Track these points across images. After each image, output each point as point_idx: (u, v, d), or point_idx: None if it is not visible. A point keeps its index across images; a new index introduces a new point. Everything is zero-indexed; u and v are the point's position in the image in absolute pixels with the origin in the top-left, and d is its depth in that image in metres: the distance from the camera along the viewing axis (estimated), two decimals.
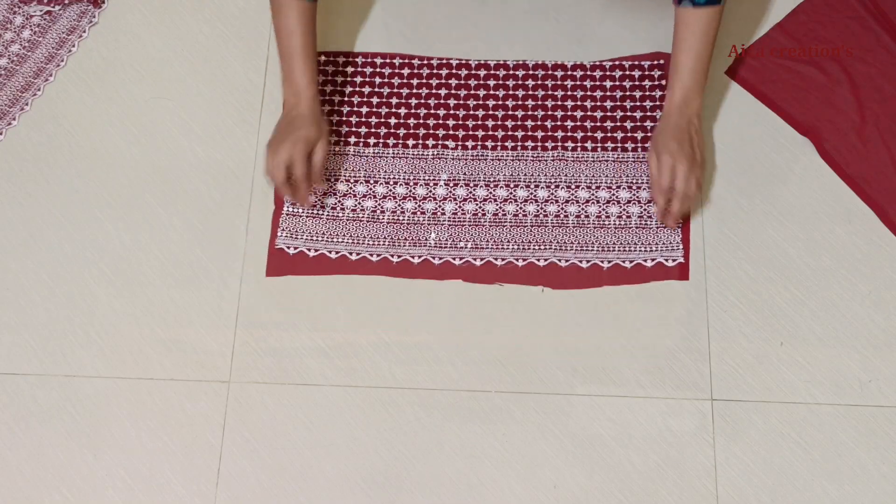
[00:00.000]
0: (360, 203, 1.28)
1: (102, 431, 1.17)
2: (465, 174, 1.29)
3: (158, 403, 1.18)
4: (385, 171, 1.30)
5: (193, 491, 1.14)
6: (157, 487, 1.14)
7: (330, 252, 1.25)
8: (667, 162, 1.18)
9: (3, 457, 1.16)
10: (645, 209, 1.26)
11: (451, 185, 1.29)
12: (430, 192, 1.28)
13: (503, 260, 1.24)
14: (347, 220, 1.27)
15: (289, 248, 1.25)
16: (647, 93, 1.34)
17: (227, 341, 1.21)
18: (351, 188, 1.29)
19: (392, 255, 1.24)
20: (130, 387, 1.19)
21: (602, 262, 1.23)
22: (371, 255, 1.25)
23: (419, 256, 1.25)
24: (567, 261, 1.24)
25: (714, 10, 1.19)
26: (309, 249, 1.25)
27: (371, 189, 1.29)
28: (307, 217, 1.27)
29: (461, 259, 1.24)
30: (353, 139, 1.32)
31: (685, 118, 1.21)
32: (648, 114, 1.33)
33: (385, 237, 1.25)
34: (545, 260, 1.24)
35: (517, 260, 1.24)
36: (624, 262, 1.23)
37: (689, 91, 1.21)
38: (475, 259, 1.24)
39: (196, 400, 1.18)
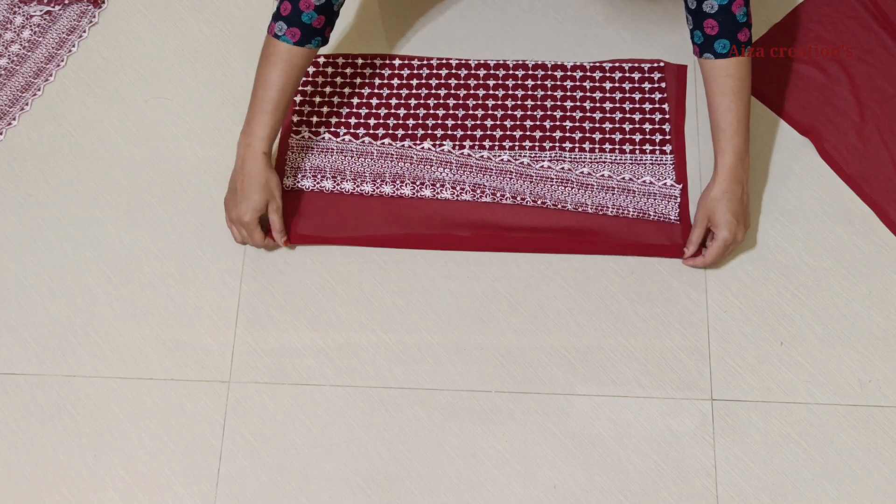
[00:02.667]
0: (358, 187, 1.28)
1: (102, 431, 1.17)
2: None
3: (158, 403, 1.18)
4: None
5: (193, 491, 1.14)
6: (157, 487, 1.14)
7: (334, 188, 1.27)
8: (723, 237, 1.18)
9: (3, 457, 1.16)
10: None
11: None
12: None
13: (511, 197, 1.25)
14: (357, 154, 1.29)
15: (295, 185, 1.27)
16: (647, 95, 1.34)
17: (227, 341, 1.21)
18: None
19: (397, 187, 1.27)
20: (130, 387, 1.19)
21: (610, 209, 1.26)
22: (376, 187, 1.27)
23: (428, 185, 1.27)
24: (574, 203, 1.25)
25: (741, 60, 1.15)
26: (315, 186, 1.28)
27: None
28: (319, 151, 1.30)
29: (470, 188, 1.26)
30: (349, 139, 1.32)
31: (740, 184, 1.18)
32: (647, 116, 1.33)
33: (391, 173, 1.28)
34: (555, 203, 1.25)
35: (525, 199, 1.25)
36: (623, 212, 1.26)
37: (740, 151, 1.18)
38: (481, 194, 1.25)
39: (196, 400, 1.18)
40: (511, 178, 1.27)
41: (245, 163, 1.19)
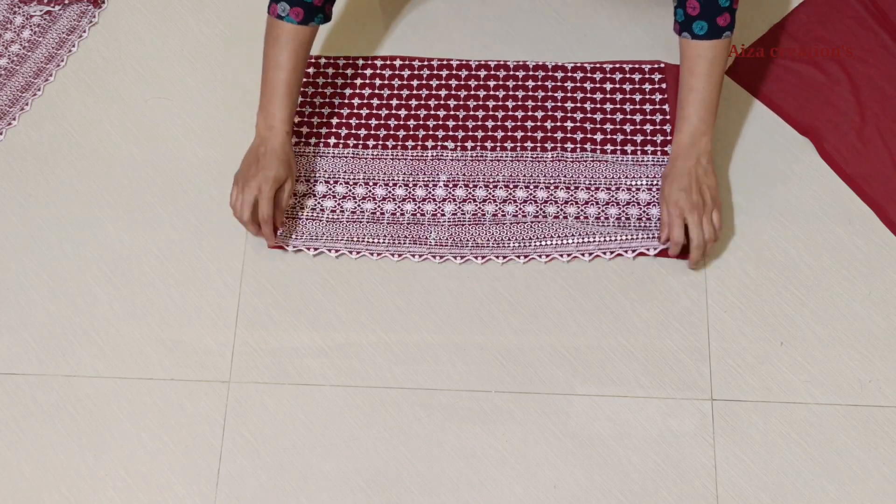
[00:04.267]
0: (359, 205, 1.28)
1: (102, 431, 1.17)
2: (463, 175, 1.29)
3: (158, 403, 1.18)
4: (384, 173, 1.30)
5: (193, 491, 1.14)
6: (157, 487, 1.14)
7: (330, 251, 1.25)
8: (675, 214, 1.19)
9: (3, 457, 1.16)
10: (644, 211, 1.26)
11: (451, 186, 1.29)
12: (430, 193, 1.28)
13: (504, 258, 1.24)
14: (347, 221, 1.27)
15: (288, 246, 1.25)
16: (647, 96, 1.34)
17: (227, 341, 1.21)
18: (350, 190, 1.29)
19: (393, 254, 1.25)
20: (130, 387, 1.19)
21: (605, 252, 1.23)
22: (371, 253, 1.25)
23: (420, 255, 1.25)
24: (569, 255, 1.24)
25: (717, 44, 1.17)
26: (308, 248, 1.25)
27: (370, 191, 1.29)
28: (307, 219, 1.27)
29: (462, 258, 1.24)
30: (352, 141, 1.32)
31: (692, 159, 1.19)
32: (648, 117, 1.33)
33: (385, 236, 1.25)
34: (547, 256, 1.24)
35: (519, 258, 1.24)
36: (626, 251, 1.23)
37: (695, 131, 1.19)
38: (476, 258, 1.24)
39: (196, 400, 1.18)
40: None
41: (268, 140, 1.21)
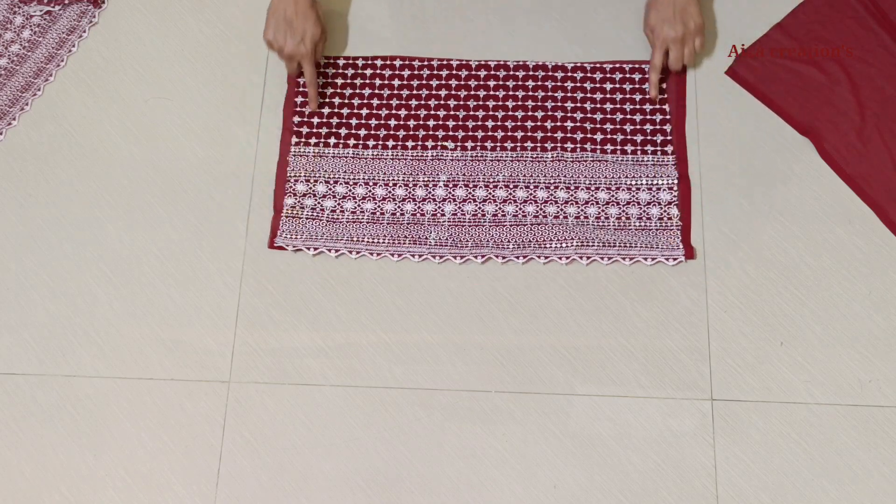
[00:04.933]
0: (359, 205, 1.28)
1: (102, 431, 1.17)
2: (464, 175, 1.30)
3: (158, 403, 1.18)
4: (384, 173, 1.30)
5: (193, 491, 1.14)
6: (157, 487, 1.14)
7: (329, 251, 1.25)
8: (658, 45, 1.29)
9: (3, 457, 1.16)
10: (644, 211, 1.26)
11: (451, 186, 1.29)
12: (430, 193, 1.28)
13: (503, 258, 1.24)
14: (347, 221, 1.27)
15: (288, 246, 1.25)
16: (648, 96, 1.34)
17: (227, 341, 1.21)
18: (350, 190, 1.29)
19: (392, 255, 1.25)
20: (130, 387, 1.19)
21: (602, 258, 1.23)
22: (371, 253, 1.25)
23: (419, 255, 1.25)
24: (568, 258, 1.24)
25: None
26: (308, 248, 1.25)
27: (370, 191, 1.29)
28: (307, 219, 1.27)
29: (462, 258, 1.24)
30: (352, 141, 1.32)
31: None
32: (648, 117, 1.33)
33: (385, 236, 1.25)
34: (545, 258, 1.24)
35: (518, 258, 1.24)
36: (624, 259, 1.23)
37: None
38: (476, 257, 1.24)
39: (196, 400, 1.18)
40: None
41: (298, 2, 1.28)
